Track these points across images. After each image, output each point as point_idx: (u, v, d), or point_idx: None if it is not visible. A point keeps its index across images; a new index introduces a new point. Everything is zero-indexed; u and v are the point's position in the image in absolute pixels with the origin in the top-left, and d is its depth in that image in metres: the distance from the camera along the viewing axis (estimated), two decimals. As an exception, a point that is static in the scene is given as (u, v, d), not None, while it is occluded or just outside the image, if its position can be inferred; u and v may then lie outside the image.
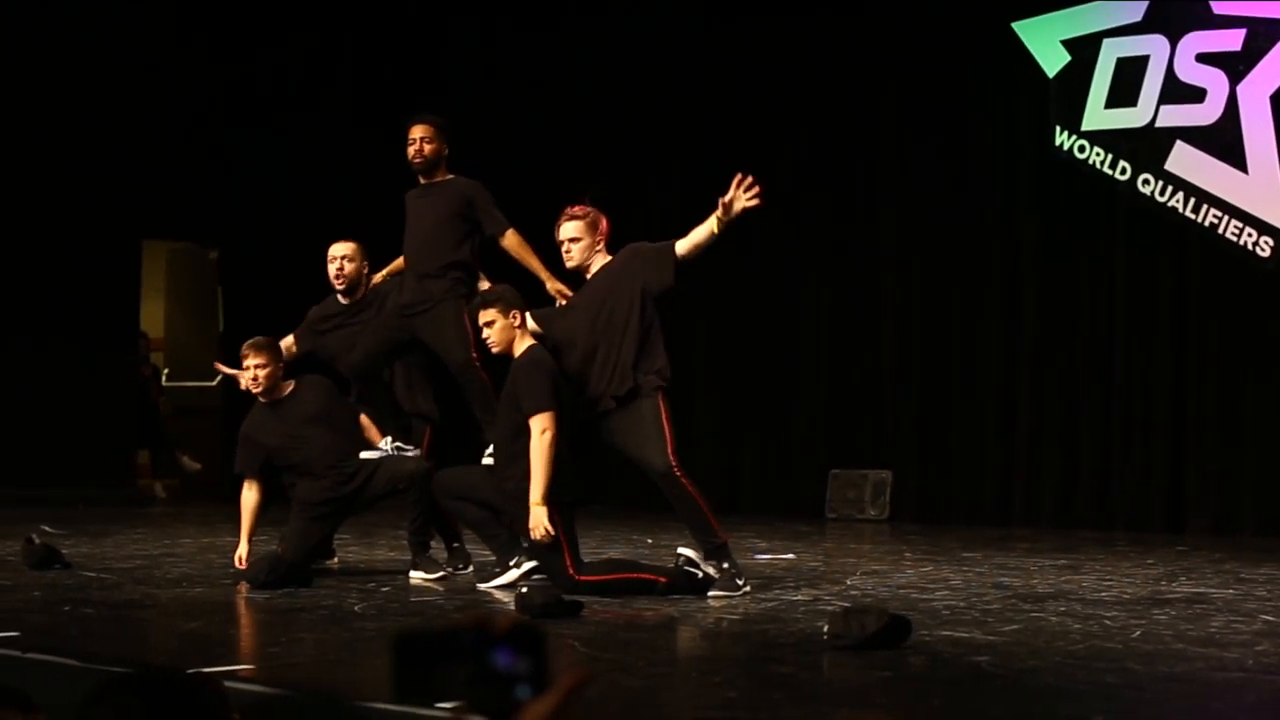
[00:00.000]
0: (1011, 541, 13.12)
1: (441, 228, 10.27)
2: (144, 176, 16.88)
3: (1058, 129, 14.56)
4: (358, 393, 10.55)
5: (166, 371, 19.82)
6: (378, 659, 6.73)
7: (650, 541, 12.28)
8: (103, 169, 16.60)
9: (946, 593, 9.56)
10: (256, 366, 9.99)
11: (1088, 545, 12.80)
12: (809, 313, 16.03)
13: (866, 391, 15.69)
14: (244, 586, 9.58)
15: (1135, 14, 14.25)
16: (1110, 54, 14.32)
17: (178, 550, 11.88)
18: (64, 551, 10.72)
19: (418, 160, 10.34)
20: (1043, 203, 14.72)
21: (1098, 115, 14.39)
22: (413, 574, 10.21)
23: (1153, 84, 14.09)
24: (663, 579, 9.32)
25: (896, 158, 15.49)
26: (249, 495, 10.04)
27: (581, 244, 9.60)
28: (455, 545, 10.50)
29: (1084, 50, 14.44)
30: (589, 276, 9.62)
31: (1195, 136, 13.90)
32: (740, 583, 9.28)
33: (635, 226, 16.26)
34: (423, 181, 10.41)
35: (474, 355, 10.06)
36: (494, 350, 9.55)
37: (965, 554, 11.99)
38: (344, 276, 10.74)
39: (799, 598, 9.29)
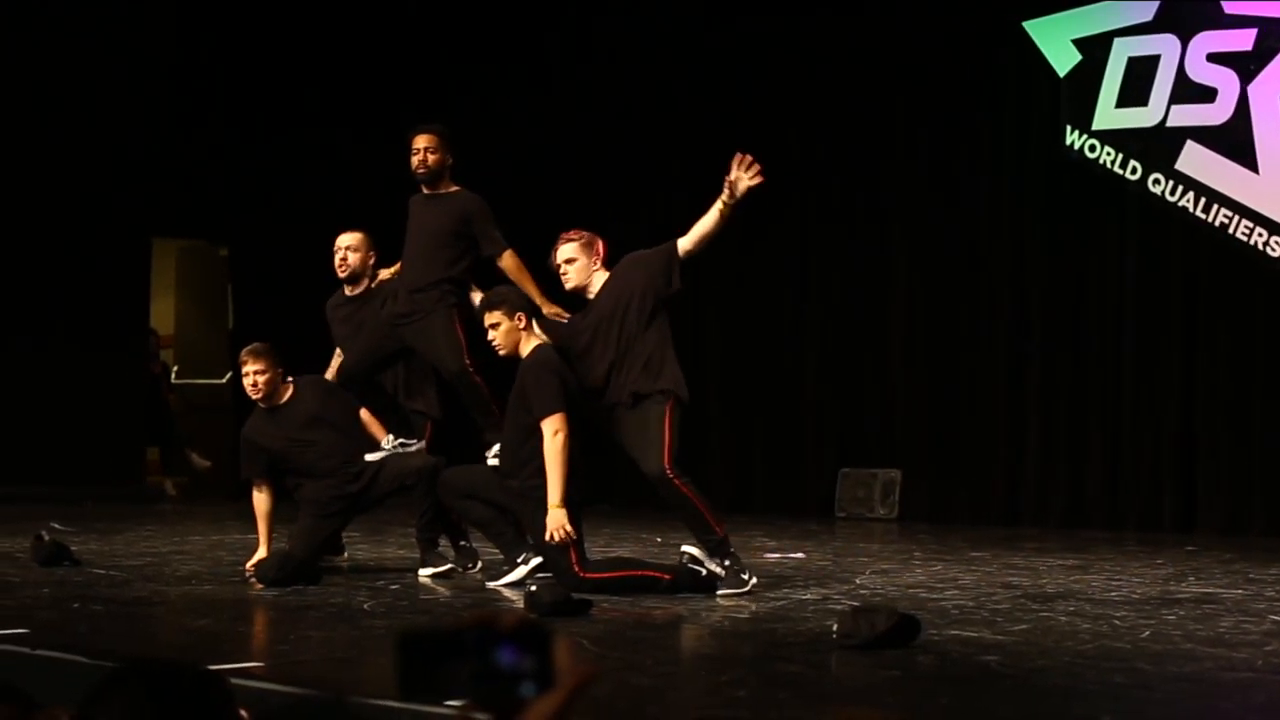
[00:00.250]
0: (1020, 541, 13.11)
1: (438, 241, 10.23)
2: (154, 174, 16.88)
3: (1068, 128, 14.55)
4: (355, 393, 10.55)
5: (176, 369, 19.83)
6: (385, 657, 6.73)
7: (660, 540, 12.27)
8: (113, 167, 16.61)
9: (955, 592, 9.56)
10: (255, 373, 9.98)
11: (1097, 545, 12.79)
12: (818, 312, 16.02)
13: (876, 391, 15.68)
14: (255, 583, 9.59)
15: (1146, 13, 14.23)
16: (1121, 53, 14.31)
17: (187, 547, 11.89)
18: (73, 548, 10.72)
19: (421, 171, 10.29)
20: (1053, 202, 14.70)
21: (1108, 115, 14.37)
22: (421, 572, 10.20)
23: (1163, 83, 14.08)
24: (667, 577, 9.31)
25: (907, 157, 15.47)
26: (261, 499, 10.04)
27: (578, 264, 9.59)
28: (462, 544, 10.50)
29: (1095, 50, 14.42)
30: (590, 298, 9.62)
31: (1206, 136, 13.88)
32: (745, 577, 9.27)
33: (640, 229, 16.29)
34: (426, 191, 10.36)
35: (468, 361, 10.05)
36: (501, 353, 9.53)
37: (974, 553, 11.98)
38: (347, 266, 10.73)
39: (808, 597, 9.29)
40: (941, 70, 15.15)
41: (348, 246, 10.73)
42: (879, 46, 15.52)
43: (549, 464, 9.19)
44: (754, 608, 8.80)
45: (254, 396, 10.05)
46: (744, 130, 15.39)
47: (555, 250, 9.65)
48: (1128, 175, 14.25)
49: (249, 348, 10.10)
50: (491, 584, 9.74)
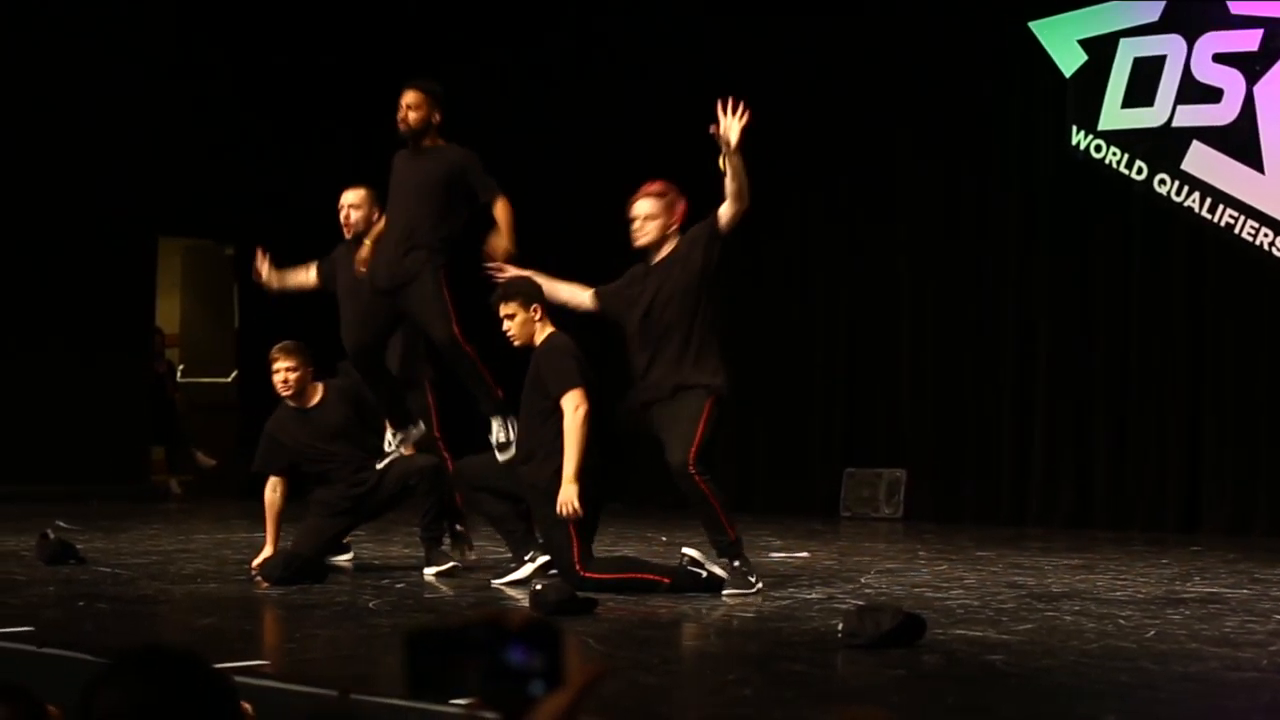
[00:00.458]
0: (1026, 541, 13.11)
1: (423, 193, 10.06)
2: (160, 173, 16.90)
3: (1074, 128, 14.55)
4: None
5: (181, 368, 19.85)
6: (392, 655, 6.74)
7: (664, 540, 12.28)
8: (119, 166, 16.62)
9: (961, 591, 9.56)
10: (287, 369, 10.03)
11: (1102, 545, 12.79)
12: (824, 312, 16.02)
13: (881, 390, 15.68)
14: (260, 582, 9.59)
15: (1152, 14, 14.22)
16: (1127, 54, 14.30)
17: (192, 546, 11.90)
18: (78, 547, 10.73)
19: (403, 128, 10.13)
20: (1059, 202, 14.70)
21: (1114, 115, 14.37)
22: (426, 571, 10.20)
23: (1169, 84, 14.07)
24: (667, 580, 9.29)
25: (913, 156, 15.47)
26: (272, 496, 10.05)
27: (657, 223, 9.40)
28: (458, 528, 10.46)
29: (1101, 50, 14.42)
30: (653, 262, 9.47)
31: (1212, 136, 13.88)
32: (753, 580, 9.25)
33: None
34: (410, 148, 10.19)
35: (456, 329, 9.89)
36: (515, 344, 9.52)
37: (979, 553, 11.98)
38: (350, 225, 10.69)
39: (813, 596, 9.29)
40: (947, 70, 15.14)
41: (351, 204, 10.67)
42: (884, 47, 15.52)
43: (568, 437, 9.14)
44: (759, 607, 8.80)
45: (284, 394, 10.08)
46: (750, 130, 15.37)
47: (634, 200, 9.47)
48: (1133, 175, 14.24)
49: (280, 345, 10.13)
50: (496, 582, 9.72)
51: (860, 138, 15.65)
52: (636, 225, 9.44)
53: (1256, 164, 13.66)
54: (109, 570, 10.19)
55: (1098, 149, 14.41)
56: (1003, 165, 15.01)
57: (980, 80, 15.03)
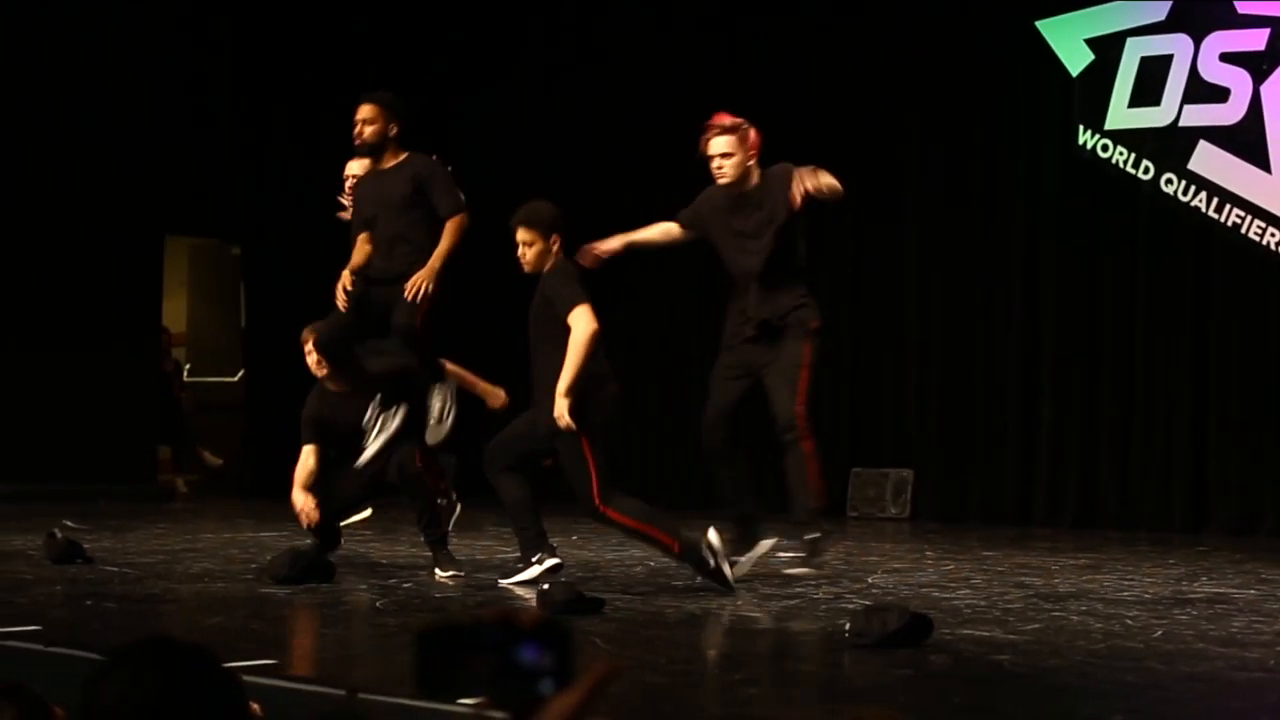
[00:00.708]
0: (1032, 541, 13.11)
1: (395, 218, 9.86)
2: (167, 172, 16.89)
3: (1080, 128, 14.54)
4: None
5: (188, 367, 19.86)
6: (401, 654, 6.74)
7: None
8: (125, 165, 16.61)
9: (968, 591, 9.56)
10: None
11: (1109, 545, 12.79)
12: (829, 311, 15.95)
13: (888, 390, 15.68)
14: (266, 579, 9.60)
15: (1159, 13, 14.22)
16: (1134, 53, 14.30)
17: (199, 545, 11.90)
18: (85, 546, 10.73)
19: (359, 143, 9.93)
20: (1065, 202, 14.70)
21: (1121, 114, 14.37)
22: (437, 572, 10.13)
23: (1176, 83, 14.07)
24: (677, 547, 9.15)
25: (919, 156, 15.47)
26: (309, 459, 9.98)
27: (735, 160, 9.43)
28: (441, 502, 10.22)
29: (1107, 49, 14.42)
30: (739, 193, 9.47)
31: (1218, 136, 13.87)
32: (818, 560, 9.23)
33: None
34: (370, 167, 9.98)
35: (419, 321, 9.73)
36: (526, 269, 9.40)
37: (986, 553, 11.98)
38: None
39: (820, 596, 9.28)
40: (954, 70, 15.14)
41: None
42: (891, 46, 15.51)
43: (571, 350, 8.97)
44: (767, 606, 8.80)
45: (319, 374, 10.05)
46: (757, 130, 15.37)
47: (706, 141, 9.44)
48: (1140, 175, 14.24)
49: (313, 326, 10.10)
50: (504, 581, 9.68)
51: (867, 137, 15.63)
52: (715, 164, 9.45)
53: (1263, 163, 13.66)
54: (116, 569, 10.19)
55: (1104, 148, 14.40)
56: (1009, 164, 15.01)
57: (987, 79, 15.03)
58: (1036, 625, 8.13)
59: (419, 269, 9.79)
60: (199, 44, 17.19)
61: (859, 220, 15.81)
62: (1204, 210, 13.93)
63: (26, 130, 16.17)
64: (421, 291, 9.67)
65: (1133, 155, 14.28)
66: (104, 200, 16.48)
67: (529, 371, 9.38)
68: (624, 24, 17.00)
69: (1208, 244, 14.08)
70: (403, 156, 9.97)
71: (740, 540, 9.71)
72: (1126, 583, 10.16)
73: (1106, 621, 8.28)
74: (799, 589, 9.50)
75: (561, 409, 8.94)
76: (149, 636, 2.91)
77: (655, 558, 10.18)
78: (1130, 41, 14.32)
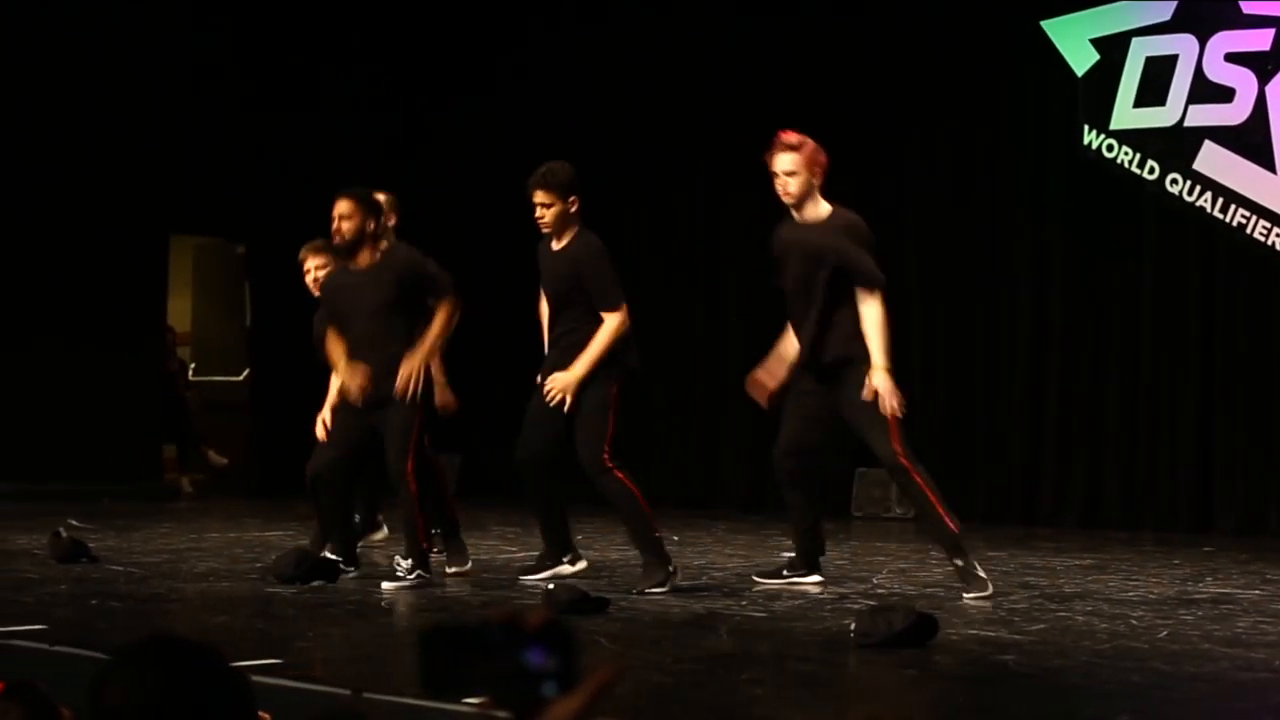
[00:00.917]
0: (1037, 541, 13.09)
1: (377, 321, 9.49)
2: (171, 171, 16.90)
3: (1086, 128, 14.53)
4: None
5: (193, 366, 19.86)
6: (406, 653, 6.75)
7: (676, 539, 12.27)
8: (130, 164, 16.62)
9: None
10: None
11: (1114, 545, 12.77)
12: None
13: (893, 390, 15.64)
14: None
15: (1164, 13, 14.20)
16: (1139, 53, 14.28)
17: (204, 544, 11.90)
18: (90, 545, 10.75)
19: (337, 239, 9.60)
20: (1070, 202, 14.68)
21: (1126, 114, 14.35)
22: (448, 569, 10.13)
23: (1181, 83, 14.05)
24: (658, 534, 9.34)
25: (924, 156, 15.45)
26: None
27: (799, 179, 9.32)
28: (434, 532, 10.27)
29: (1113, 49, 14.40)
30: (798, 216, 9.42)
31: (1224, 136, 13.86)
32: (984, 578, 9.04)
33: (655, 230, 16.30)
34: (349, 265, 9.63)
35: (410, 466, 9.38)
36: (544, 230, 9.40)
37: (991, 553, 11.95)
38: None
39: (825, 595, 9.29)
40: (959, 70, 15.12)
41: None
42: (895, 45, 15.49)
43: (596, 342, 9.10)
44: (772, 607, 8.80)
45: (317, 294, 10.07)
46: (756, 130, 15.37)
47: (774, 155, 9.35)
48: (1145, 175, 14.23)
49: (310, 244, 10.09)
50: (525, 578, 9.71)
51: (871, 138, 15.61)
52: (779, 181, 9.38)
53: (1269, 164, 13.64)
54: (121, 569, 10.20)
55: (1109, 148, 14.39)
56: (1014, 165, 14.99)
57: (992, 79, 15.02)
58: (1041, 625, 8.13)
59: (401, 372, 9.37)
60: (203, 42, 17.19)
61: (863, 218, 15.78)
62: (1209, 210, 13.91)
63: (31, 130, 16.18)
64: (412, 389, 9.35)
65: (1138, 155, 14.26)
66: (109, 200, 16.49)
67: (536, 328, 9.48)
68: (624, 24, 16.99)
69: (1213, 244, 14.06)
70: (380, 253, 9.62)
71: (799, 554, 9.83)
72: (1131, 583, 10.16)
73: (1111, 622, 8.28)
74: (799, 589, 9.51)
75: (563, 383, 9.09)
76: (154, 636, 2.90)
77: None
78: (1135, 41, 14.31)
